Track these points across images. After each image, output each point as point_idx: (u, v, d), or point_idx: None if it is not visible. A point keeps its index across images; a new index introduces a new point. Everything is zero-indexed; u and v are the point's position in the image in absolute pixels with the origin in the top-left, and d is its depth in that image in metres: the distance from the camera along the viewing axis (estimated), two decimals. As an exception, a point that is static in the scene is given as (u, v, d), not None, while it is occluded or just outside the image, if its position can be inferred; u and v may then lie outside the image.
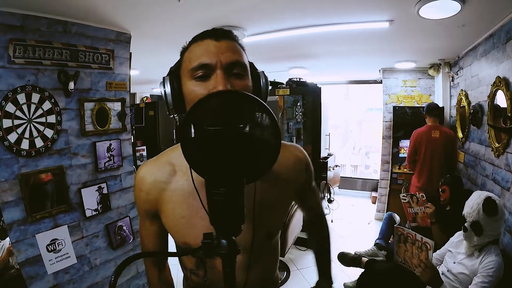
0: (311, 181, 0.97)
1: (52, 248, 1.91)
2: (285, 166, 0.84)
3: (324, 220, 1.11)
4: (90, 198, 2.18)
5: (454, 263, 1.92)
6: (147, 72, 4.32)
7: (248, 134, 0.53)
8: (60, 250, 1.96)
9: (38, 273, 1.84)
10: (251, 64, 0.78)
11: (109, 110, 2.29)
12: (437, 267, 2.03)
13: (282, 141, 0.80)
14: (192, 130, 0.53)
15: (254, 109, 0.55)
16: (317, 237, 1.11)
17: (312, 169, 0.95)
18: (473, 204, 1.77)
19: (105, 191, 2.29)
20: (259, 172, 0.56)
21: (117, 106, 2.36)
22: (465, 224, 1.77)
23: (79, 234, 2.09)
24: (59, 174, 1.99)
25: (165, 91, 0.73)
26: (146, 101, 6.42)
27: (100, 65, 2.20)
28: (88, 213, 2.15)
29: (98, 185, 2.24)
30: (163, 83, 0.74)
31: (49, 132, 1.93)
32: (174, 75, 0.75)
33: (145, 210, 0.84)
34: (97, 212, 2.21)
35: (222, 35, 0.71)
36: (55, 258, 1.92)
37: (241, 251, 0.78)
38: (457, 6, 1.92)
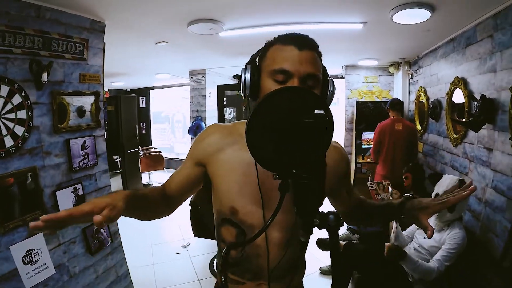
0: (349, 172, 1.04)
1: (29, 260, 1.72)
2: (329, 157, 0.90)
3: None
4: (65, 201, 1.99)
5: (425, 238, 2.14)
6: (110, 65, 4.01)
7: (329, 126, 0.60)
8: (37, 261, 1.76)
9: (15, 289, 1.64)
10: (324, 70, 0.85)
11: (67, 105, 2.05)
12: (409, 244, 2.26)
13: None
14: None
15: (325, 107, 0.61)
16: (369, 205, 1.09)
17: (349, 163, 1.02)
18: (448, 184, 1.98)
19: (80, 192, 2.11)
20: (323, 158, 0.64)
21: (76, 101, 2.13)
22: None
23: (55, 241, 1.90)
24: (32, 176, 1.79)
25: (245, 77, 0.81)
26: (105, 95, 5.98)
27: (73, 55, 2.01)
28: (65, 218, 1.97)
29: (73, 186, 2.06)
30: (245, 70, 0.82)
31: (19, 130, 1.72)
32: (255, 64, 0.83)
33: (196, 155, 0.92)
34: (73, 216, 2.03)
35: (305, 44, 0.78)
36: (33, 270, 1.73)
37: (283, 230, 0.86)
38: (427, 14, 2.11)
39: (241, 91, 0.85)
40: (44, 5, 1.74)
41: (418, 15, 2.16)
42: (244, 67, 0.83)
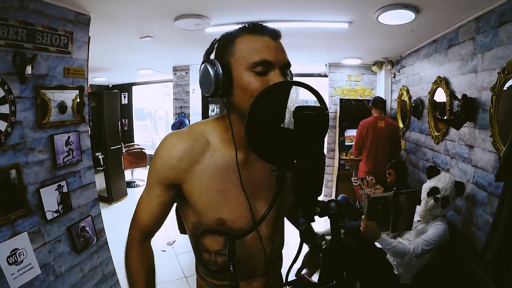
0: None
1: (13, 260, 1.65)
2: None
3: None
4: (50, 199, 1.93)
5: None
6: (93, 60, 3.88)
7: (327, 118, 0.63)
8: (22, 261, 1.70)
9: (0, 291, 1.58)
10: None
11: (48, 100, 1.97)
12: (394, 238, 2.35)
13: None
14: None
15: (319, 98, 0.65)
16: None
17: None
18: (448, 182, 2.06)
19: (65, 189, 2.05)
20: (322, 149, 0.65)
21: (57, 97, 2.05)
22: (438, 196, 2.04)
23: (40, 240, 1.84)
24: (15, 173, 1.72)
25: (216, 73, 0.73)
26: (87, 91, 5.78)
27: (58, 48, 1.94)
28: (49, 216, 1.90)
29: (58, 183, 1.99)
30: (214, 65, 0.74)
31: (2, 125, 1.64)
32: (220, 59, 0.75)
33: (166, 178, 0.79)
34: (58, 214, 1.97)
35: (277, 35, 0.77)
36: (18, 271, 1.66)
37: (270, 224, 0.87)
38: (412, 15, 2.19)
39: (204, 89, 0.78)
40: (28, -5, 1.67)
41: (403, 16, 2.23)
42: (209, 63, 0.75)
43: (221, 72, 0.73)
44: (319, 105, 0.65)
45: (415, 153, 3.27)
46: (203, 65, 0.76)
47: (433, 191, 2.10)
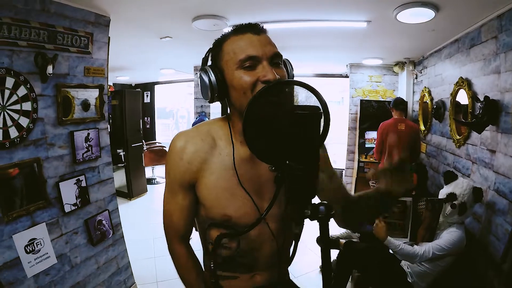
0: (328, 159, 0.99)
1: (31, 249, 1.75)
2: None
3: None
4: (68, 192, 2.02)
5: None
6: (115, 59, 4.04)
7: (325, 118, 0.61)
8: (39, 250, 1.80)
9: (17, 277, 1.68)
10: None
11: (72, 98, 2.07)
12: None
13: None
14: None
15: (319, 97, 0.62)
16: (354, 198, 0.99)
17: (325, 150, 0.98)
18: (466, 187, 1.98)
19: (83, 184, 2.14)
20: (318, 150, 0.63)
21: (81, 95, 2.16)
22: (455, 202, 1.96)
23: (58, 231, 1.94)
24: (36, 167, 1.82)
25: (210, 79, 0.78)
26: (109, 89, 6.02)
27: (78, 49, 2.03)
28: (67, 208, 2.00)
29: (77, 178, 2.09)
30: (206, 72, 0.79)
31: (24, 121, 1.75)
32: (213, 65, 0.81)
33: (183, 180, 0.84)
34: (76, 207, 2.07)
35: (260, 29, 0.79)
36: (34, 259, 1.76)
37: (277, 221, 0.87)
38: (432, 13, 2.10)
39: (203, 96, 0.83)
40: (49, -2, 1.76)
41: (422, 15, 2.15)
42: (202, 70, 0.80)
43: (213, 77, 0.78)
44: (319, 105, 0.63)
45: (436, 157, 3.14)
46: (198, 74, 0.82)
47: (450, 197, 2.02)
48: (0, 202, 1.61)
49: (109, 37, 2.30)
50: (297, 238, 0.65)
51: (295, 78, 0.82)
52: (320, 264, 0.61)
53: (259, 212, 0.83)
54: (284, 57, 0.83)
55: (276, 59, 0.77)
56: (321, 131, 0.61)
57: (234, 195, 0.83)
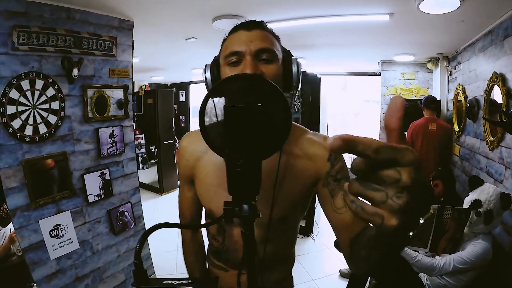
0: (338, 173, 0.82)
1: (55, 234, 1.95)
2: (309, 153, 0.85)
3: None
4: (92, 184, 2.21)
5: None
6: (147, 60, 4.29)
7: (265, 113, 0.56)
8: (63, 236, 1.99)
9: (41, 258, 1.88)
10: (287, 51, 0.87)
11: (108, 97, 2.29)
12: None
13: (313, 132, 0.91)
14: (213, 110, 0.59)
15: (269, 91, 0.57)
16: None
17: (343, 163, 0.84)
18: (492, 193, 1.83)
19: (107, 177, 2.32)
20: (270, 149, 0.58)
21: (116, 94, 2.36)
22: (480, 210, 1.82)
23: (81, 219, 2.13)
24: (62, 160, 2.02)
25: (205, 76, 0.85)
26: (145, 89, 6.39)
27: (103, 52, 2.20)
28: (91, 199, 2.18)
29: (101, 171, 2.27)
30: (205, 69, 0.85)
31: (52, 119, 1.95)
32: (216, 62, 0.86)
33: (184, 175, 0.96)
34: (99, 198, 2.25)
35: (254, 25, 0.79)
36: (58, 243, 1.96)
37: (259, 227, 0.82)
38: (457, 2, 1.95)
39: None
40: (74, 7, 1.93)
41: (446, 3, 2.01)
42: (204, 67, 0.86)
43: (208, 74, 0.84)
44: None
45: (469, 160, 2.90)
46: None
47: (475, 204, 1.87)
48: (28, 190, 1.81)
49: (133, 40, 2.45)
50: (245, 238, 0.60)
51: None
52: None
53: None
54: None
55: (264, 55, 0.76)
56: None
57: (218, 192, 0.86)
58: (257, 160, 0.57)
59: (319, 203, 0.89)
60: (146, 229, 2.50)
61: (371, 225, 0.35)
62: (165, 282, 0.58)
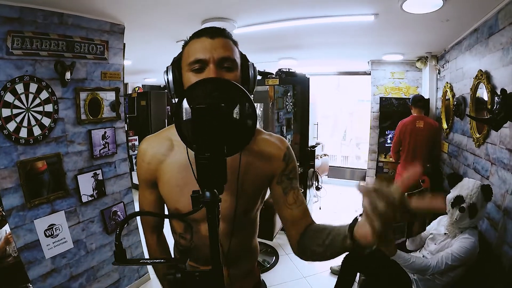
0: (291, 173, 0.95)
1: (50, 233, 1.99)
2: (266, 152, 0.93)
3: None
4: (86, 184, 2.26)
5: (435, 244, 2.05)
6: (139, 62, 4.34)
7: (228, 112, 0.64)
8: (58, 235, 2.04)
9: (36, 257, 1.92)
10: (243, 56, 0.90)
11: (101, 100, 2.33)
12: (419, 251, 2.18)
13: (269, 132, 0.99)
14: (184, 110, 0.66)
15: (234, 93, 0.66)
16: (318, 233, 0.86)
17: (294, 163, 0.97)
18: (472, 187, 1.86)
19: (100, 177, 2.37)
20: (237, 145, 0.67)
21: (109, 96, 2.41)
22: (463, 205, 1.85)
23: (75, 219, 2.17)
24: (56, 161, 2.06)
25: (167, 78, 0.86)
26: (138, 91, 6.42)
27: (95, 56, 2.25)
28: (84, 199, 2.23)
29: (94, 172, 2.32)
30: (166, 71, 0.87)
31: (46, 121, 1.99)
32: (176, 65, 0.87)
33: (146, 179, 0.96)
34: (92, 198, 2.29)
35: (216, 33, 0.82)
36: (53, 243, 2.01)
37: (225, 220, 0.91)
38: (440, 2, 2.00)
39: (168, 94, 0.93)
40: (66, 12, 1.98)
41: (429, 3, 2.05)
42: (165, 69, 0.87)
43: (171, 77, 0.86)
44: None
45: (457, 157, 2.96)
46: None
47: (457, 201, 1.90)
48: (23, 190, 1.85)
49: (124, 43, 2.50)
50: (209, 223, 0.65)
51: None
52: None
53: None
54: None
55: (226, 63, 0.81)
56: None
57: (184, 191, 0.89)
58: (222, 156, 0.63)
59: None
60: (139, 228, 2.53)
61: None
62: (141, 261, 0.64)
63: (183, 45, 0.88)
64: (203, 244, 0.93)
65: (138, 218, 2.70)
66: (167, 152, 0.92)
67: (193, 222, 0.91)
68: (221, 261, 0.66)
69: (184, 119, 0.73)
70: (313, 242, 0.84)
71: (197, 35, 0.83)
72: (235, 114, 0.72)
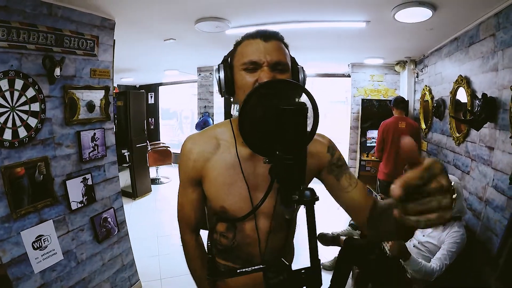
0: (338, 161, 0.98)
1: (38, 245, 1.82)
2: (311, 150, 0.92)
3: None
4: (75, 190, 2.09)
5: (424, 235, 2.17)
6: (121, 61, 4.12)
7: (307, 114, 0.64)
8: (46, 247, 1.86)
9: (24, 273, 1.74)
10: (293, 59, 0.91)
11: (77, 100, 2.13)
12: (409, 240, 2.29)
13: None
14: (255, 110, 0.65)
15: (307, 94, 0.68)
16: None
17: (339, 152, 1.00)
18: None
19: (89, 182, 2.20)
20: (306, 142, 0.67)
21: (86, 96, 2.22)
22: None
23: (64, 228, 2.00)
24: (43, 165, 1.89)
25: (219, 76, 0.88)
26: (114, 91, 6.10)
27: (84, 52, 2.09)
28: (74, 206, 2.06)
29: (83, 176, 2.15)
30: (218, 69, 0.89)
31: (32, 121, 1.81)
32: (227, 63, 0.89)
33: (191, 177, 0.95)
34: (82, 205, 2.13)
35: (270, 36, 0.85)
36: (41, 255, 1.83)
37: (269, 218, 0.92)
38: (429, 13, 2.14)
39: (217, 89, 0.92)
40: (56, 3, 1.82)
41: (420, 14, 2.18)
42: (217, 67, 0.89)
43: (222, 75, 0.87)
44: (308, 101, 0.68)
45: (436, 155, 3.16)
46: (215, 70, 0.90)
47: None
48: (8, 199, 1.67)
49: (114, 39, 2.36)
50: (288, 224, 0.69)
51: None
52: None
53: (252, 205, 0.89)
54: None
55: (279, 66, 0.83)
56: (311, 125, 0.66)
57: (232, 190, 0.90)
58: (304, 157, 0.64)
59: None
60: (129, 234, 2.40)
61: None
62: (238, 271, 0.62)
63: (235, 44, 0.90)
64: (246, 243, 0.95)
65: (128, 224, 2.57)
66: (213, 150, 0.92)
67: (238, 221, 0.92)
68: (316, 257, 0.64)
69: (256, 119, 0.70)
70: (382, 230, 0.81)
71: (251, 36, 0.85)
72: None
